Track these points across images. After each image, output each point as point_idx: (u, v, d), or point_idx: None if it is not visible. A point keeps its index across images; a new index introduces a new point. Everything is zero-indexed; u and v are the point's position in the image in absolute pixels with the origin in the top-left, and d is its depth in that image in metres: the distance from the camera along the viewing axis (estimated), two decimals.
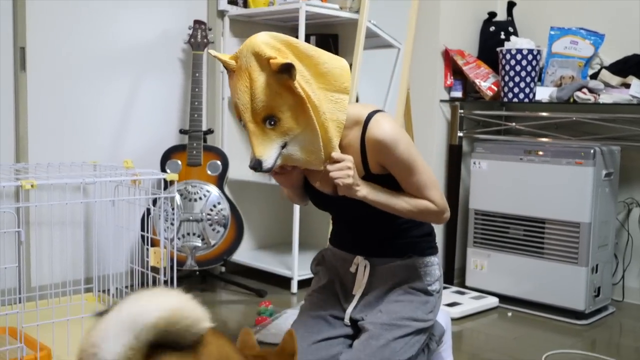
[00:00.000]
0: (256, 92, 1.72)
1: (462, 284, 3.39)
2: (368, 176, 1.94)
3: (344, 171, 1.82)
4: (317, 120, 1.79)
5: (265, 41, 1.74)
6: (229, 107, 3.60)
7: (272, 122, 1.75)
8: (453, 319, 2.90)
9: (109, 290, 2.92)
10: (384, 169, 1.92)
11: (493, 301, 3.15)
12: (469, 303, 3.07)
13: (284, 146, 1.80)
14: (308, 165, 1.88)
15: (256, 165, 1.76)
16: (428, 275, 2.06)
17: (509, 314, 3.07)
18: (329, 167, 1.84)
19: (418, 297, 2.03)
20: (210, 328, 1.27)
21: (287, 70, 1.71)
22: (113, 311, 1.14)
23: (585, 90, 3.11)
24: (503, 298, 3.19)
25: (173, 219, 2.82)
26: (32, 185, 2.29)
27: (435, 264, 2.09)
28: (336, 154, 1.85)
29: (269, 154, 1.77)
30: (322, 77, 1.82)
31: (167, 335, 1.15)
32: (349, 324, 2.07)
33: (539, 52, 3.29)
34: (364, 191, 1.88)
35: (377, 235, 1.99)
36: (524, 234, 3.14)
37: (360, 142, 1.90)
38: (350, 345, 1.99)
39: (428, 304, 2.03)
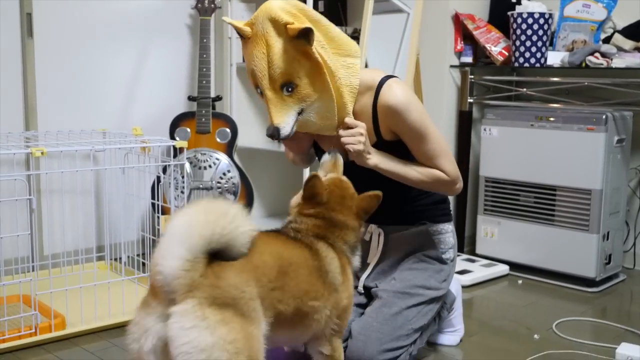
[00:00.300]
0: (273, 58, 1.70)
1: (472, 252, 3.40)
2: (380, 142, 1.92)
3: (356, 137, 1.81)
4: (333, 85, 1.78)
5: (281, 6, 1.71)
6: (237, 74, 3.56)
7: (290, 89, 1.74)
8: (463, 287, 2.91)
9: (120, 258, 2.94)
10: (395, 135, 1.91)
11: (503, 269, 3.15)
12: (480, 271, 3.08)
13: (300, 113, 1.79)
14: (321, 131, 1.87)
15: (274, 133, 1.75)
16: (442, 243, 2.05)
17: (519, 281, 3.08)
18: (341, 132, 1.84)
19: (432, 265, 2.02)
20: (260, 235, 1.38)
21: (306, 35, 1.69)
22: (167, 227, 1.24)
23: (597, 54, 3.07)
24: (513, 266, 3.19)
25: (183, 187, 2.82)
26: (42, 153, 2.28)
27: (449, 232, 2.08)
28: (349, 119, 1.84)
29: (287, 121, 1.76)
30: (333, 42, 1.81)
31: (219, 242, 1.23)
32: (362, 291, 2.08)
33: (550, 15, 3.24)
34: (375, 159, 1.87)
35: (390, 203, 1.98)
36: (534, 201, 3.13)
37: (372, 108, 1.89)
38: (363, 314, 2.00)
39: (442, 272, 2.03)
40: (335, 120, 1.84)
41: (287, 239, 1.56)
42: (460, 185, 1.96)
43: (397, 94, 1.84)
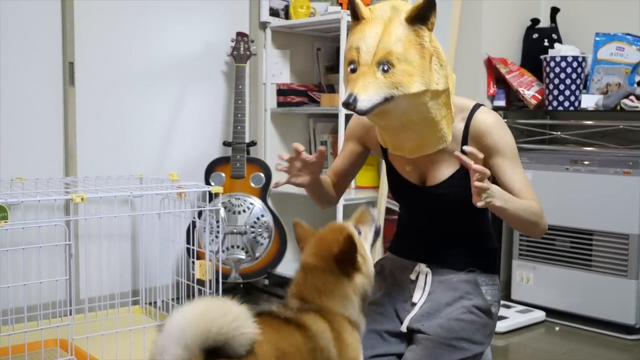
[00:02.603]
0: (384, 37, 1.66)
1: (507, 297, 3.35)
2: (461, 171, 1.84)
3: (485, 174, 1.62)
4: (430, 86, 1.69)
5: (404, 2, 1.75)
6: (271, 119, 3.62)
7: (386, 68, 1.65)
8: (499, 333, 2.87)
9: (155, 302, 2.96)
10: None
11: (540, 315, 3.10)
12: (515, 317, 3.03)
13: (388, 100, 1.67)
14: (415, 146, 1.79)
15: (350, 100, 1.64)
16: (489, 295, 2.00)
17: (557, 328, 3.02)
18: (475, 166, 1.60)
19: (479, 318, 1.94)
20: (259, 333, 1.30)
21: (428, 10, 1.65)
22: (166, 323, 1.22)
23: (632, 97, 3.06)
24: (550, 312, 3.13)
25: (218, 232, 2.85)
26: (82, 199, 2.33)
27: (497, 284, 2.02)
28: (472, 149, 1.66)
29: (370, 97, 1.64)
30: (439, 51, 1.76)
31: (216, 341, 1.21)
32: (406, 331, 2.00)
33: (584, 59, 3.24)
34: (499, 201, 1.67)
35: (443, 244, 1.91)
36: (570, 246, 3.09)
37: (464, 132, 1.82)
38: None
39: (488, 326, 1.96)
40: (439, 129, 1.75)
41: (280, 324, 1.48)
42: (546, 227, 1.81)
43: (492, 114, 1.82)
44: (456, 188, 1.85)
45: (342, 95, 1.85)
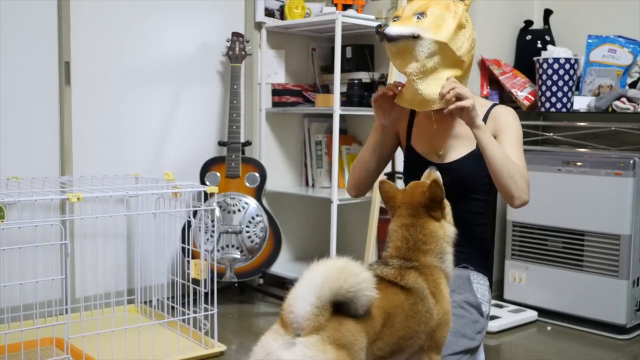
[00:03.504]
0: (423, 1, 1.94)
1: (500, 297, 3.38)
2: (477, 151, 2.02)
3: (467, 92, 1.88)
4: (452, 45, 1.92)
5: None
6: (266, 119, 3.63)
7: (420, 17, 1.90)
8: (491, 333, 2.90)
9: (150, 301, 2.98)
10: None
11: (532, 315, 3.13)
12: (508, 316, 3.06)
13: (415, 37, 1.89)
14: (420, 100, 1.95)
15: (381, 24, 1.88)
16: (479, 293, 2.04)
17: (549, 327, 3.05)
18: (452, 80, 1.92)
19: (470, 313, 2.00)
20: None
21: None
22: (304, 274, 1.40)
23: (624, 99, 3.09)
24: (542, 311, 3.16)
25: (213, 231, 2.87)
26: (78, 199, 2.35)
27: (487, 285, 2.08)
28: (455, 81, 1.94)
29: (399, 28, 1.88)
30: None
31: (345, 297, 1.40)
32: None
33: (576, 60, 3.27)
34: (480, 122, 1.92)
35: None
36: (562, 246, 3.12)
37: (483, 117, 2.05)
38: None
39: (478, 323, 2.01)
40: (440, 86, 1.91)
41: (386, 287, 1.63)
42: (527, 197, 1.99)
43: (509, 108, 2.11)
44: (469, 167, 2.06)
45: None
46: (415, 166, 2.13)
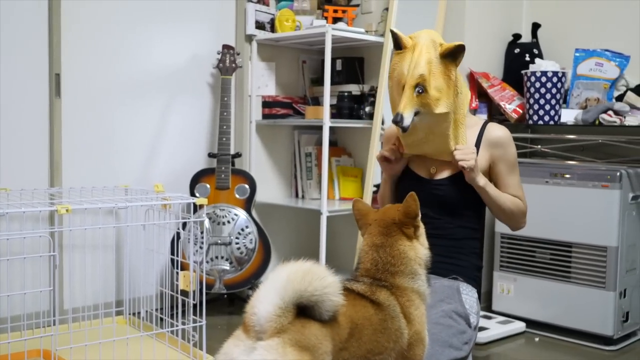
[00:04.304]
0: (421, 64, 2.04)
1: (488, 308, 3.39)
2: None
3: (470, 155, 2.09)
4: (451, 109, 2.09)
5: (439, 36, 2.13)
6: (256, 131, 3.65)
7: (420, 91, 2.03)
8: (480, 344, 2.91)
9: (139, 313, 2.97)
10: (485, 171, 2.19)
11: (520, 326, 3.14)
12: (496, 328, 3.07)
13: (416, 114, 2.06)
14: (431, 149, 2.15)
15: (398, 119, 2.04)
16: (467, 304, 2.06)
17: (536, 339, 3.06)
18: (457, 147, 2.12)
19: (458, 323, 2.02)
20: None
21: (457, 52, 2.03)
22: (270, 275, 1.41)
23: (610, 112, 3.11)
24: (530, 323, 3.18)
25: (202, 243, 2.87)
26: (67, 210, 2.34)
27: (476, 297, 2.10)
28: (461, 145, 2.16)
29: (409, 114, 2.06)
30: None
31: (308, 300, 1.40)
32: None
33: (564, 74, 3.30)
34: (483, 180, 2.12)
35: (435, 250, 2.00)
36: (550, 258, 3.14)
37: (476, 142, 2.20)
38: None
39: (465, 334, 2.02)
40: (448, 142, 2.11)
41: (355, 298, 1.63)
42: (524, 226, 2.25)
43: (503, 129, 2.24)
44: (461, 183, 2.17)
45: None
46: (403, 180, 2.22)
